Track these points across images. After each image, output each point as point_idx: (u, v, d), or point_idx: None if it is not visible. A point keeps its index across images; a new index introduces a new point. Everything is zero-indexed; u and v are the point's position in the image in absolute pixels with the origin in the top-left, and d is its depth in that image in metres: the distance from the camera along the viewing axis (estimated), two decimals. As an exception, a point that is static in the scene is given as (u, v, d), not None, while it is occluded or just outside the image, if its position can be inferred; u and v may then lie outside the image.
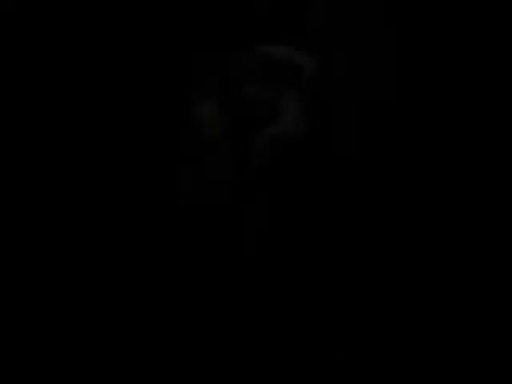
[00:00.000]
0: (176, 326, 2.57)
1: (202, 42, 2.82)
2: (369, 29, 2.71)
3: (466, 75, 2.63)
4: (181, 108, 2.72)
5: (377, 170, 2.71)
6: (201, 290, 2.61)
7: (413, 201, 2.69)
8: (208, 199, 2.60)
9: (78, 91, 2.87)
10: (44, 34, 2.81)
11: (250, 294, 2.49)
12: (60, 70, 2.85)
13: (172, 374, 2.44)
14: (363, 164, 2.72)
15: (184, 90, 2.84)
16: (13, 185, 2.79)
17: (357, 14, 2.72)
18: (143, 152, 2.93)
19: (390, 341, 2.48)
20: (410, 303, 2.57)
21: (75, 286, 2.73)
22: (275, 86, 2.45)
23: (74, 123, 2.87)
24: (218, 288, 2.58)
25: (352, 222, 2.66)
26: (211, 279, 2.60)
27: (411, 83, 2.70)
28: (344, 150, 2.64)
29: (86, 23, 2.85)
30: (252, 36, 2.71)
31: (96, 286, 2.74)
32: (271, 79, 2.45)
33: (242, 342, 2.43)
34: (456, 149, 2.67)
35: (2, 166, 2.80)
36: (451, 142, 2.68)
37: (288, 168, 2.37)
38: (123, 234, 2.85)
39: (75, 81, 2.86)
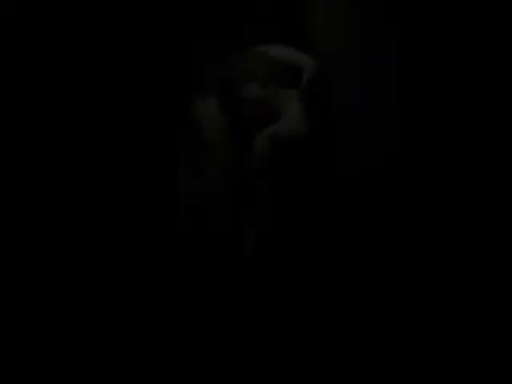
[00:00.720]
0: (176, 326, 2.57)
1: (202, 43, 2.82)
2: (369, 29, 2.71)
3: (466, 75, 2.64)
4: (181, 108, 2.72)
5: (377, 170, 2.71)
6: (201, 290, 2.61)
7: (413, 200, 2.69)
8: (208, 199, 2.60)
9: (77, 92, 2.87)
10: (44, 34, 2.81)
11: (249, 294, 2.50)
12: (59, 69, 2.85)
13: (172, 374, 2.44)
14: (363, 164, 2.72)
15: (184, 90, 2.84)
16: (11, 185, 2.79)
17: (357, 14, 2.72)
18: (143, 152, 2.93)
19: (390, 341, 2.48)
20: (410, 303, 2.57)
21: (75, 286, 2.73)
22: (275, 86, 2.46)
23: (73, 123, 2.87)
24: (217, 288, 2.58)
25: (352, 223, 2.66)
26: (211, 279, 2.60)
27: (411, 83, 2.70)
28: (344, 150, 2.65)
29: (87, 26, 2.85)
30: (252, 36, 2.71)
31: (96, 287, 2.74)
32: (271, 79, 2.45)
33: (241, 341, 2.43)
34: (458, 149, 2.67)
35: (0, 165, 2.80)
36: (451, 142, 2.68)
37: (288, 168, 2.37)
38: (123, 235, 2.85)
39: (75, 81, 2.87)
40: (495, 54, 2.58)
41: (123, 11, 2.88)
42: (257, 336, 2.43)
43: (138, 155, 2.92)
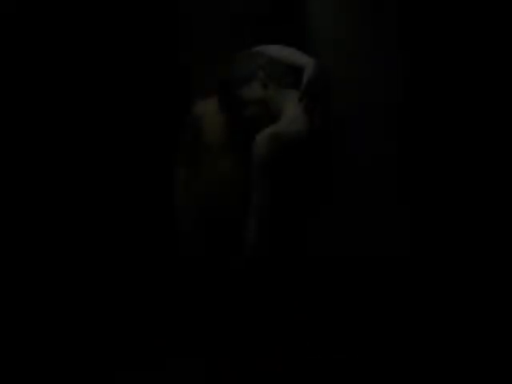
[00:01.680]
0: (176, 326, 2.57)
1: (201, 43, 2.82)
2: (369, 29, 2.71)
3: (467, 75, 2.64)
4: (181, 108, 2.73)
5: (377, 170, 2.71)
6: (200, 290, 2.61)
7: (413, 201, 2.69)
8: (207, 200, 2.60)
9: (76, 92, 2.87)
10: (44, 34, 2.81)
11: (249, 294, 2.50)
12: (59, 68, 2.85)
13: (172, 374, 2.44)
14: (363, 164, 2.73)
15: (184, 90, 2.84)
16: (10, 185, 2.80)
17: (357, 14, 2.73)
18: (142, 152, 2.93)
19: (389, 341, 2.48)
20: (410, 303, 2.57)
21: (76, 286, 2.74)
22: (275, 86, 2.46)
23: (72, 123, 2.87)
24: (217, 288, 2.58)
25: (352, 223, 2.66)
26: (211, 279, 2.60)
27: (412, 83, 2.70)
28: (344, 150, 2.65)
29: (87, 26, 2.85)
30: (252, 36, 2.71)
31: (96, 287, 2.74)
32: (271, 79, 2.45)
33: (242, 341, 2.44)
34: (458, 149, 2.67)
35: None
36: (451, 142, 2.68)
37: (288, 168, 2.37)
38: (123, 235, 2.85)
39: (75, 80, 2.87)
40: (496, 54, 2.59)
41: (123, 10, 2.88)
42: (257, 336, 2.43)
43: (138, 155, 2.92)
